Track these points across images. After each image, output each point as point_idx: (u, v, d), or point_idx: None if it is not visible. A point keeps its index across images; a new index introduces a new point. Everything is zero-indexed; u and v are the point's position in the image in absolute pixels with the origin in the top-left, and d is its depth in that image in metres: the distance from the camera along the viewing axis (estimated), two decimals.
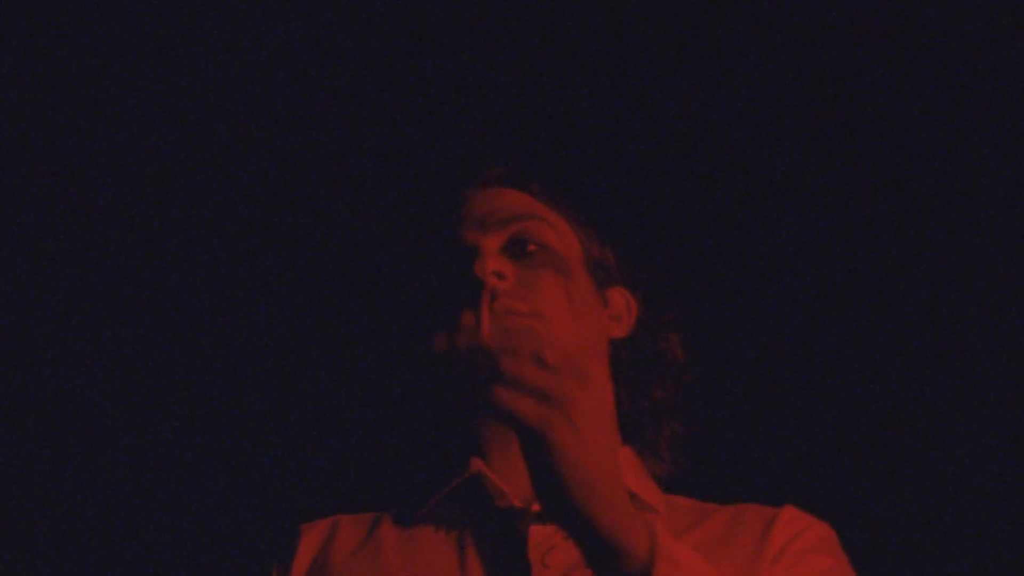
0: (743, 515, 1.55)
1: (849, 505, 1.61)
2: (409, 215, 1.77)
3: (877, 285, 2.19)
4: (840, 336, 2.18)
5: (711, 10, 2.19)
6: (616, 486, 1.19)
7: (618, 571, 1.20)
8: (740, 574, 1.46)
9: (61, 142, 2.19)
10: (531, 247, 1.60)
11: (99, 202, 2.17)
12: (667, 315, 1.75)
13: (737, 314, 2.18)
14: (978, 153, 2.14)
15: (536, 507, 1.53)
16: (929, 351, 2.15)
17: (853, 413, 2.15)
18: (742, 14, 2.19)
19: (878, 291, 2.18)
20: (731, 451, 2.10)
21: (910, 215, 2.17)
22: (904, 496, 2.10)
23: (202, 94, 2.18)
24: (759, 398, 2.15)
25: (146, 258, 2.16)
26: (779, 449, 2.13)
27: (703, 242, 2.20)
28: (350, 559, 1.55)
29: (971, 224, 2.15)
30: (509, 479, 1.55)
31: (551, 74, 2.18)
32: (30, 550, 2.09)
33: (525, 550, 1.47)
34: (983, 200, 2.14)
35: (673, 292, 1.84)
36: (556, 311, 1.55)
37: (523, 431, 1.18)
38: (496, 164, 1.71)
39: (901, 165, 2.17)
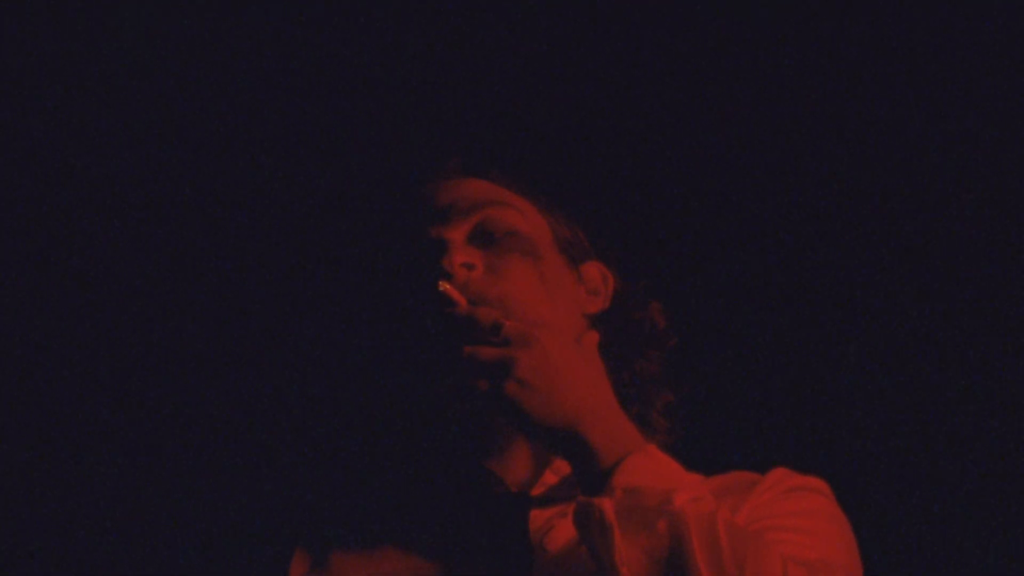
0: (734, 479, 1.55)
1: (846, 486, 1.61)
2: (370, 218, 1.76)
3: (865, 241, 2.17)
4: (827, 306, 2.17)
5: None
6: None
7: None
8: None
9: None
10: (497, 233, 1.60)
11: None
12: (643, 283, 1.74)
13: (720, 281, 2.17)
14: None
15: (534, 491, 1.54)
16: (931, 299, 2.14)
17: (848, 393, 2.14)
18: None
19: (865, 247, 2.17)
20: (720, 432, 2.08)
21: (882, 164, 2.16)
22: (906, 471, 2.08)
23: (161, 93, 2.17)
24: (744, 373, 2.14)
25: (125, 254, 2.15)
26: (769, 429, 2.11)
27: (678, 210, 2.18)
28: (347, 552, 1.53)
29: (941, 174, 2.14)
30: (504, 466, 1.56)
31: (503, 60, 2.18)
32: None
33: (525, 534, 1.47)
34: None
35: (652, 261, 1.83)
36: (528, 293, 1.56)
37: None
38: (453, 155, 1.71)
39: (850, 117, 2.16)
